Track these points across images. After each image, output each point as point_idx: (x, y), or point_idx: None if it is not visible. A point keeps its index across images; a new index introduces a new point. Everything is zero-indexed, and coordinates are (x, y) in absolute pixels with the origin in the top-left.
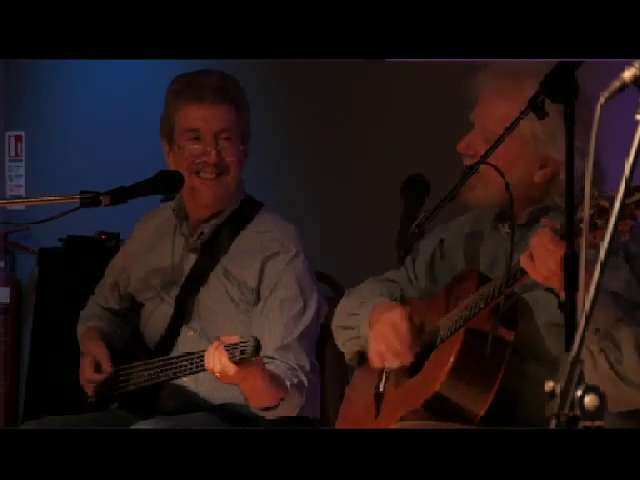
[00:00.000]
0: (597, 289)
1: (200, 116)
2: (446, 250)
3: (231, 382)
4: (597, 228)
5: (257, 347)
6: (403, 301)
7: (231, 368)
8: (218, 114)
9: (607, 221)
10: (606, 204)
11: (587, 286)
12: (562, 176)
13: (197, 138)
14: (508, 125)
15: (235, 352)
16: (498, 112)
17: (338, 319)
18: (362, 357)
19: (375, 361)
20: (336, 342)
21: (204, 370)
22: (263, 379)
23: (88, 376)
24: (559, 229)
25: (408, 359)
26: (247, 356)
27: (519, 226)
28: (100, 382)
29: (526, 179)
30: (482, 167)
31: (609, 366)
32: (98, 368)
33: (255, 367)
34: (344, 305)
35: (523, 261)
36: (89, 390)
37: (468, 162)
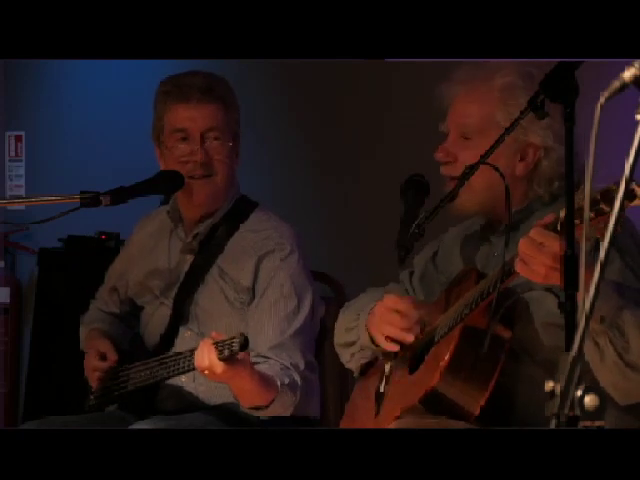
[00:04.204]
0: (597, 289)
1: (187, 116)
2: (439, 262)
3: (219, 381)
4: (589, 219)
5: (244, 343)
6: None
7: (219, 366)
8: (204, 113)
9: (598, 212)
10: (597, 196)
11: (586, 281)
12: (544, 164)
13: (185, 139)
14: (481, 127)
15: (223, 349)
16: (474, 115)
17: (337, 337)
18: (365, 366)
19: (388, 345)
20: (341, 360)
21: (195, 369)
22: (252, 379)
23: (94, 364)
24: (552, 223)
25: (417, 331)
26: (234, 352)
27: (505, 228)
28: (105, 370)
29: (508, 174)
30: (460, 173)
31: (617, 355)
32: (103, 357)
33: (243, 366)
34: (341, 321)
35: (518, 268)
36: (93, 381)
37: (446, 170)
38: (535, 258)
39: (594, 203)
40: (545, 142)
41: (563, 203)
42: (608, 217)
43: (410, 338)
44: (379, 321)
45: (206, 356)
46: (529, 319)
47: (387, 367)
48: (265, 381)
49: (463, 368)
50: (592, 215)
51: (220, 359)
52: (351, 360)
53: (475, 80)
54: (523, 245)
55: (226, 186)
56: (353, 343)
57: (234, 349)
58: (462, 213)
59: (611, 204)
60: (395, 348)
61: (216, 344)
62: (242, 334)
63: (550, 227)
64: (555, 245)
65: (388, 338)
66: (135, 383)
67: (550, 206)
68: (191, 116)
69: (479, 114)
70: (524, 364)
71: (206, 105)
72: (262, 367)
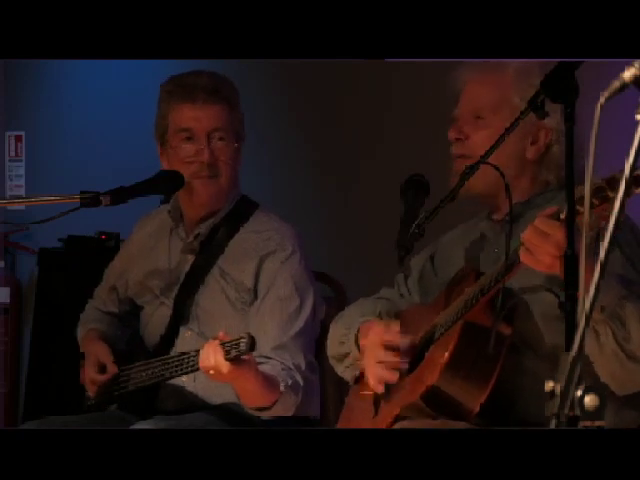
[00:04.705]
0: (597, 289)
1: (192, 116)
2: (436, 264)
3: (224, 381)
4: (593, 207)
5: (252, 344)
6: (397, 314)
7: (225, 366)
8: (210, 114)
9: (604, 199)
10: (602, 183)
11: (587, 276)
12: (555, 149)
13: (190, 138)
14: (495, 106)
15: (230, 349)
16: (487, 95)
17: (330, 348)
18: (360, 374)
19: (379, 387)
20: (336, 371)
21: (199, 369)
22: (256, 380)
23: (92, 377)
24: (555, 213)
25: (404, 367)
26: (241, 353)
27: (506, 222)
28: (104, 383)
29: (518, 157)
30: (470, 156)
31: (617, 345)
32: (102, 369)
33: (248, 367)
34: (333, 333)
35: (523, 257)
36: (91, 391)
37: (456, 149)
38: (540, 247)
39: (600, 190)
40: (559, 125)
41: (563, 198)
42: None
43: (395, 377)
44: (368, 360)
45: (212, 356)
46: (529, 313)
47: None
48: (268, 382)
49: (464, 365)
50: (597, 202)
51: (226, 359)
52: (345, 371)
53: (488, 64)
54: (528, 234)
55: (229, 187)
56: (346, 355)
57: (241, 350)
58: (469, 192)
59: (617, 191)
60: (381, 389)
61: (223, 344)
62: (249, 334)
63: (554, 216)
64: (559, 234)
65: (377, 377)
66: (136, 383)
67: (550, 202)
68: (196, 116)
69: (493, 94)
70: (525, 357)
71: (211, 106)
72: (264, 368)
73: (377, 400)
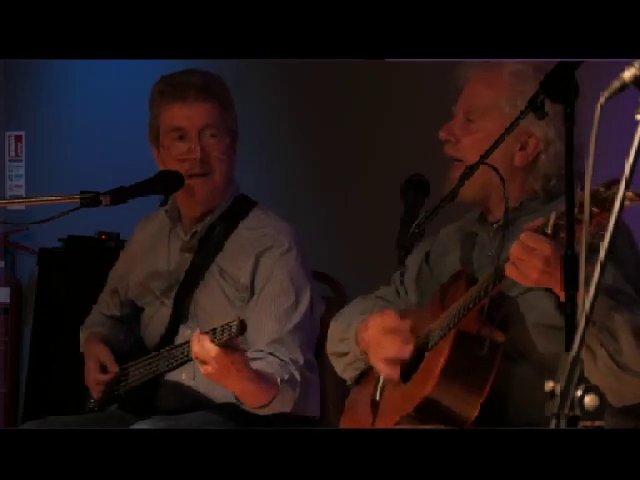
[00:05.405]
0: (597, 289)
1: (183, 114)
2: (431, 262)
3: (218, 378)
4: (592, 216)
5: (241, 326)
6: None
7: (213, 349)
8: (201, 111)
9: (593, 215)
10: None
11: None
12: (543, 158)
13: (182, 137)
14: (485, 110)
15: (222, 334)
16: (481, 96)
17: (330, 345)
18: (360, 376)
19: (385, 369)
20: (336, 370)
21: (192, 359)
22: (251, 380)
23: (95, 377)
24: (541, 227)
25: (410, 349)
26: (233, 335)
27: (497, 228)
28: (107, 382)
29: (506, 163)
30: (464, 163)
31: (610, 358)
32: (104, 369)
33: (240, 356)
34: (333, 330)
35: (509, 272)
36: (96, 392)
37: (447, 149)
38: (527, 262)
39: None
40: (547, 135)
41: (556, 204)
42: (598, 219)
43: (408, 351)
44: (374, 349)
45: (201, 343)
46: (522, 321)
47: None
48: (265, 379)
49: (458, 375)
50: (580, 218)
51: (218, 344)
52: (345, 370)
53: (489, 64)
54: (515, 250)
55: (224, 184)
56: (345, 354)
57: (233, 332)
58: (461, 198)
59: (600, 206)
60: (396, 375)
61: (214, 330)
62: (239, 318)
63: (540, 230)
64: (546, 249)
65: (388, 360)
66: (134, 381)
67: (544, 207)
68: (187, 114)
69: (486, 97)
70: (517, 365)
71: (202, 103)
72: (261, 364)
73: (374, 407)
